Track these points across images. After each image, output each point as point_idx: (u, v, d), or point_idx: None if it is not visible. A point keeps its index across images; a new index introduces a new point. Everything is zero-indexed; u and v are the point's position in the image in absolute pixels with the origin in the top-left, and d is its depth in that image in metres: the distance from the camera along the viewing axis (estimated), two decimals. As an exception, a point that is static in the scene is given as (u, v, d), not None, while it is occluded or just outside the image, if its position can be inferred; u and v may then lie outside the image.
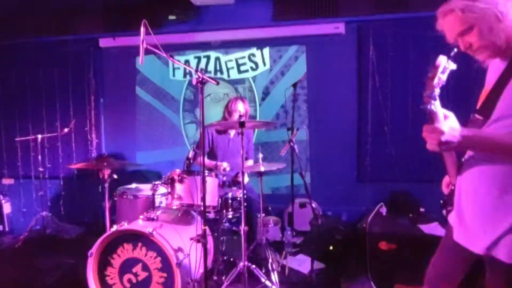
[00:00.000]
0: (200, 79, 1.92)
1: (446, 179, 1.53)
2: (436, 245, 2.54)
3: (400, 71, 3.84)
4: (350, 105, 4.03)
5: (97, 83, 4.34)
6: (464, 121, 1.32)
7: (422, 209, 3.31)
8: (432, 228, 2.63)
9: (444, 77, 1.16)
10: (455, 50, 1.27)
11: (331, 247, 3.23)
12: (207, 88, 4.23)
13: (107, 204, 2.58)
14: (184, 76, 4.27)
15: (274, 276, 2.60)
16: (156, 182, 2.44)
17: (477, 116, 1.29)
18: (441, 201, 1.53)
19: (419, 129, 3.71)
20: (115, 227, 2.18)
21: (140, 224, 2.26)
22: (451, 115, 1.19)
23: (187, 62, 4.22)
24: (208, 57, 4.21)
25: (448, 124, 1.15)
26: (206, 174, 2.22)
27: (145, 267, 2.15)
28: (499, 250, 1.21)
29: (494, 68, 1.33)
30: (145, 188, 2.86)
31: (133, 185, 2.98)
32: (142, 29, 2.09)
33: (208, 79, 1.95)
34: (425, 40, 3.72)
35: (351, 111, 4.04)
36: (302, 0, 3.84)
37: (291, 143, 2.68)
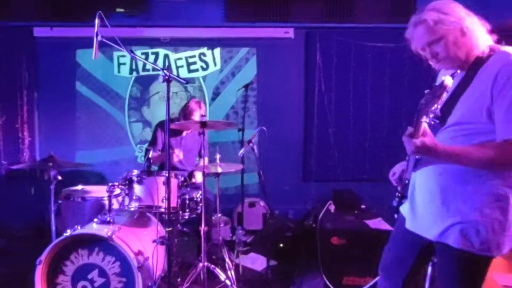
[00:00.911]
0: (167, 77, 1.87)
1: (392, 171, 1.68)
2: (382, 238, 2.77)
3: (343, 77, 4.11)
4: (297, 107, 4.21)
5: (31, 77, 3.94)
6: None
7: (363, 206, 3.59)
8: (377, 223, 2.87)
9: (444, 96, 1.25)
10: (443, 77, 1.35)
11: (281, 244, 3.34)
12: (156, 86, 4.11)
13: (52, 208, 2.38)
14: (131, 72, 4.09)
15: (232, 275, 2.63)
16: (114, 183, 2.31)
17: (437, 120, 1.39)
18: (397, 194, 1.64)
19: (360, 132, 4.01)
20: (69, 232, 2.02)
21: (95, 228, 2.13)
22: (430, 133, 1.28)
23: (133, 58, 4.05)
24: (156, 54, 4.08)
25: (424, 140, 1.25)
26: (169, 174, 2.17)
27: (102, 273, 2.03)
28: (449, 236, 1.36)
29: (456, 77, 1.46)
30: (93, 190, 2.69)
31: (79, 187, 2.78)
32: (97, 21, 1.98)
33: (176, 78, 1.91)
34: (366, 50, 4.05)
35: (298, 114, 4.22)
36: (254, 3, 3.92)
37: (250, 144, 2.73)
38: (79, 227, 2.10)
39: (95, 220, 2.21)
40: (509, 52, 1.31)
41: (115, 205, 2.59)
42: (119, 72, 4.08)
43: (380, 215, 3.07)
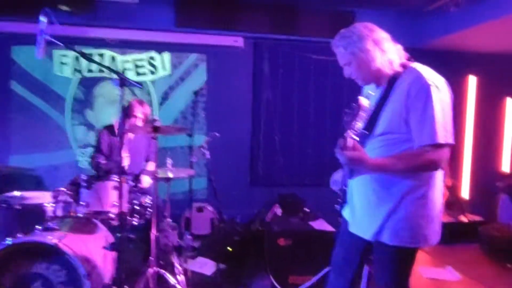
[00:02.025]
0: (120, 80, 1.86)
1: (333, 178, 1.82)
2: (325, 238, 2.97)
3: (289, 87, 4.32)
4: (245, 114, 4.34)
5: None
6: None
7: (306, 209, 3.79)
8: (320, 224, 3.08)
9: (362, 115, 1.44)
10: (369, 91, 1.59)
11: (229, 248, 3.41)
12: (101, 88, 3.97)
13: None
14: (73, 73, 3.90)
15: (181, 280, 2.64)
16: (59, 189, 2.21)
17: (364, 131, 1.55)
18: (339, 199, 1.78)
19: (304, 139, 4.27)
20: (10, 240, 1.90)
21: (39, 236, 2.02)
22: (361, 149, 1.43)
23: (76, 58, 3.88)
24: (102, 55, 3.96)
25: (354, 154, 1.41)
26: (118, 178, 2.14)
27: (47, 283, 1.93)
28: (383, 235, 1.53)
29: (375, 92, 1.62)
30: (34, 196, 2.53)
31: (16, 193, 2.60)
32: (43, 18, 1.92)
33: (131, 81, 1.91)
34: (309, 62, 4.31)
35: (246, 120, 4.34)
36: (204, 11, 3.98)
37: (202, 149, 2.78)
38: (20, 235, 1.98)
39: (37, 227, 2.10)
40: (416, 68, 1.50)
41: (59, 212, 2.48)
42: (60, 72, 3.88)
43: (322, 217, 3.28)
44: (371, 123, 1.55)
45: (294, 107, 4.36)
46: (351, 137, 1.40)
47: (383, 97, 1.54)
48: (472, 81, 4.53)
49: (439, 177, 1.56)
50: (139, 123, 3.01)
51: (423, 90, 1.42)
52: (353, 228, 1.68)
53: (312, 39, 4.25)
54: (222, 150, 4.18)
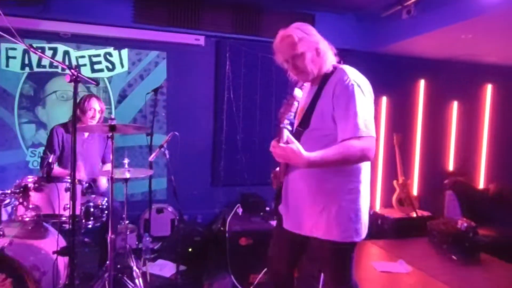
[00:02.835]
0: (74, 77, 1.77)
1: (274, 174, 1.84)
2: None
3: (251, 86, 4.34)
4: (207, 113, 4.30)
5: None
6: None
7: (267, 208, 3.84)
8: (281, 223, 3.13)
9: (296, 105, 1.49)
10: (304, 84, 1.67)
11: (190, 249, 3.38)
12: (53, 85, 3.76)
13: None
14: (22, 67, 3.67)
15: (140, 283, 2.57)
16: (5, 191, 2.06)
17: (299, 128, 1.64)
18: (275, 196, 1.80)
19: (266, 138, 4.36)
20: None
21: (-18, 242, 1.88)
22: (296, 142, 1.46)
23: (26, 52, 3.65)
24: (54, 50, 3.75)
25: (288, 147, 1.43)
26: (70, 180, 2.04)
27: (-9, 292, 1.81)
28: (318, 230, 1.59)
29: (308, 91, 1.72)
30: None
31: (-45, 196, 2.40)
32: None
33: (85, 77, 1.82)
34: (271, 62, 4.34)
35: (208, 120, 4.31)
36: (164, 7, 3.89)
37: (162, 148, 2.72)
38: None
39: (-19, 233, 1.95)
40: (343, 69, 1.59)
41: (4, 216, 2.33)
42: (7, 66, 3.63)
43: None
44: (304, 120, 1.62)
45: (256, 107, 4.39)
46: (286, 127, 1.44)
47: (316, 95, 1.62)
48: (422, 85, 4.82)
49: (367, 172, 1.63)
50: (95, 119, 2.89)
51: (347, 89, 1.51)
52: (287, 225, 1.70)
53: (272, 40, 4.29)
54: (183, 150, 4.08)
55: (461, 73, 4.87)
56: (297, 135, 1.60)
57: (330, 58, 1.65)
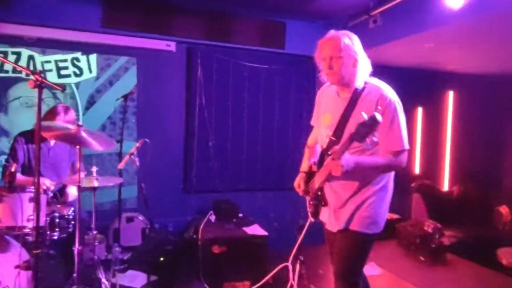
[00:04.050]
0: (38, 82, 1.70)
1: (297, 183, 2.01)
2: (258, 243, 3.02)
3: (223, 93, 4.33)
4: (178, 120, 4.24)
5: None
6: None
7: (240, 214, 3.83)
8: (254, 229, 3.12)
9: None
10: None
11: (162, 258, 3.30)
12: (16, 90, 3.60)
13: None
14: (-19, 72, 3.49)
15: (109, 295, 2.49)
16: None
17: (332, 137, 1.78)
18: (310, 202, 1.95)
19: (238, 145, 4.34)
20: None
21: None
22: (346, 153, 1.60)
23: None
24: (18, 54, 3.59)
25: (345, 158, 1.58)
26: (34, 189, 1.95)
27: None
28: (351, 223, 1.80)
29: (333, 97, 1.88)
30: None
31: None
32: None
33: (50, 83, 1.75)
34: (243, 69, 4.37)
35: (179, 126, 4.25)
36: (134, 12, 3.83)
37: (132, 156, 2.66)
38: None
39: None
40: (380, 86, 1.76)
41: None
42: (-36, 71, 3.44)
43: (257, 221, 3.34)
44: (338, 130, 1.76)
45: (228, 113, 4.38)
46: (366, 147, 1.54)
47: (348, 107, 1.75)
48: (389, 92, 4.97)
49: (392, 175, 1.88)
50: None
51: (390, 106, 1.70)
52: (330, 226, 1.92)
53: (246, 47, 4.33)
54: (154, 157, 4.00)
55: (425, 80, 5.09)
56: (333, 144, 1.73)
57: (364, 73, 1.76)
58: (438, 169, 5.42)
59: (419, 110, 5.22)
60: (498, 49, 3.89)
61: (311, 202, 1.93)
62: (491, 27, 3.16)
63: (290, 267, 2.48)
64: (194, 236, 3.22)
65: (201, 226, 3.12)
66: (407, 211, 4.90)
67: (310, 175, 1.97)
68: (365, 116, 1.47)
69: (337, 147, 1.59)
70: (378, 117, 1.44)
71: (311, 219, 1.96)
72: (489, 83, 5.38)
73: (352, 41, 1.76)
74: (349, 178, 1.76)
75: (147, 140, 2.77)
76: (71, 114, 2.90)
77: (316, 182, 1.86)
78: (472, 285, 3.37)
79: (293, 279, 2.28)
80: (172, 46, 4.07)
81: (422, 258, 3.81)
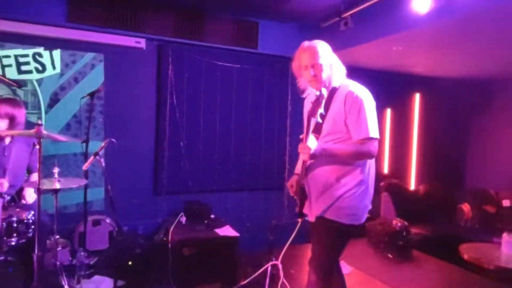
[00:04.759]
0: (-8, 79, 1.58)
1: (290, 184, 2.11)
2: (230, 244, 2.99)
3: (194, 92, 4.26)
4: (148, 119, 4.13)
5: None
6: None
7: (212, 216, 3.78)
8: (226, 230, 3.07)
9: (323, 103, 1.77)
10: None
11: (130, 262, 3.20)
12: (-29, 86, 3.37)
13: None
14: None
15: (72, 303, 2.37)
16: None
17: (314, 134, 1.89)
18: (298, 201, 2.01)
19: (210, 145, 4.28)
20: None
21: None
22: (312, 137, 1.81)
23: None
24: (-27, 48, 3.37)
25: (312, 142, 1.78)
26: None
27: None
28: (327, 212, 1.90)
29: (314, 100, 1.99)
30: None
31: None
32: None
33: (5, 80, 1.64)
34: (215, 68, 4.32)
35: (150, 126, 4.14)
36: (101, 7, 3.68)
37: (97, 157, 2.54)
38: None
39: None
40: (348, 84, 1.96)
41: None
42: None
43: (228, 222, 3.29)
44: (317, 127, 1.90)
45: (200, 113, 4.31)
46: (317, 120, 1.76)
47: (326, 105, 1.89)
48: (360, 93, 5.08)
49: (373, 167, 2.00)
50: (1, 126, 2.60)
51: (357, 100, 1.88)
52: (311, 217, 1.99)
53: (218, 46, 4.27)
54: (123, 157, 3.91)
55: (393, 83, 5.24)
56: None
57: (339, 74, 1.98)
58: (405, 169, 5.59)
59: (388, 112, 5.36)
60: (462, 53, 4.06)
61: (298, 200, 2.01)
62: (455, 32, 3.29)
63: (280, 266, 2.52)
64: (164, 239, 3.13)
65: (171, 228, 3.04)
66: (376, 210, 5.02)
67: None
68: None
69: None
70: (323, 91, 1.74)
71: (299, 218, 2.02)
72: (454, 86, 5.61)
73: (325, 47, 1.98)
74: (324, 168, 1.92)
75: (113, 139, 2.66)
76: (21, 110, 2.70)
77: (300, 177, 1.98)
78: (436, 280, 3.49)
79: (284, 277, 2.35)
80: (142, 43, 3.95)
81: (390, 256, 3.90)
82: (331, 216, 1.90)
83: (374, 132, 1.86)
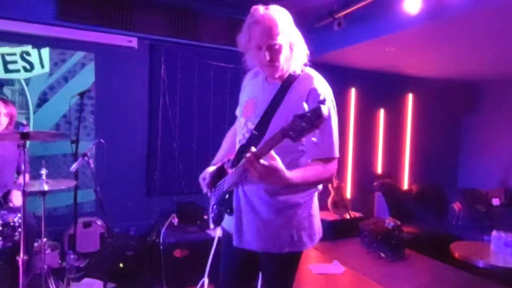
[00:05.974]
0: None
1: (203, 176, 1.68)
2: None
3: (187, 92, 4.22)
4: (141, 120, 4.08)
5: None
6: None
7: (205, 217, 3.74)
8: (218, 232, 3.05)
9: None
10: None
11: (121, 264, 3.15)
12: (-43, 86, 3.29)
13: None
14: None
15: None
16: None
17: (254, 131, 1.44)
18: (214, 206, 1.65)
19: (203, 145, 4.26)
20: None
21: None
22: (278, 158, 1.24)
23: None
24: (-42, 46, 3.29)
25: (277, 167, 1.23)
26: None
27: None
28: (272, 245, 1.48)
29: (260, 82, 1.56)
30: None
31: None
32: None
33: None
34: (209, 68, 4.28)
35: (142, 126, 4.09)
36: (91, 5, 3.62)
37: (86, 157, 2.50)
38: None
39: None
40: (313, 77, 1.45)
41: None
42: None
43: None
44: (262, 123, 1.44)
45: (193, 113, 4.27)
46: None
47: (278, 95, 1.45)
48: (353, 94, 5.09)
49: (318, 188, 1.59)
50: (2, 125, 2.57)
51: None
52: (240, 243, 1.53)
53: (212, 45, 4.23)
54: (115, 158, 3.84)
55: (386, 83, 5.25)
56: (254, 141, 1.41)
57: (301, 57, 1.46)
58: (398, 169, 5.61)
59: (381, 112, 5.37)
60: (454, 53, 4.08)
61: (214, 206, 1.64)
62: (445, 32, 3.30)
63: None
64: (156, 240, 3.09)
65: (163, 230, 3.00)
66: (370, 210, 5.03)
67: (221, 172, 1.64)
68: (306, 107, 1.10)
69: (260, 145, 1.29)
70: (324, 110, 1.07)
71: (211, 225, 1.67)
72: (446, 86, 5.64)
73: (286, 19, 1.43)
74: (265, 192, 1.47)
75: (101, 140, 2.61)
76: (8, 106, 2.68)
77: (226, 183, 1.54)
78: (428, 279, 3.50)
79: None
80: (133, 42, 3.90)
81: (382, 255, 3.91)
82: (275, 250, 1.51)
83: (337, 152, 1.43)
